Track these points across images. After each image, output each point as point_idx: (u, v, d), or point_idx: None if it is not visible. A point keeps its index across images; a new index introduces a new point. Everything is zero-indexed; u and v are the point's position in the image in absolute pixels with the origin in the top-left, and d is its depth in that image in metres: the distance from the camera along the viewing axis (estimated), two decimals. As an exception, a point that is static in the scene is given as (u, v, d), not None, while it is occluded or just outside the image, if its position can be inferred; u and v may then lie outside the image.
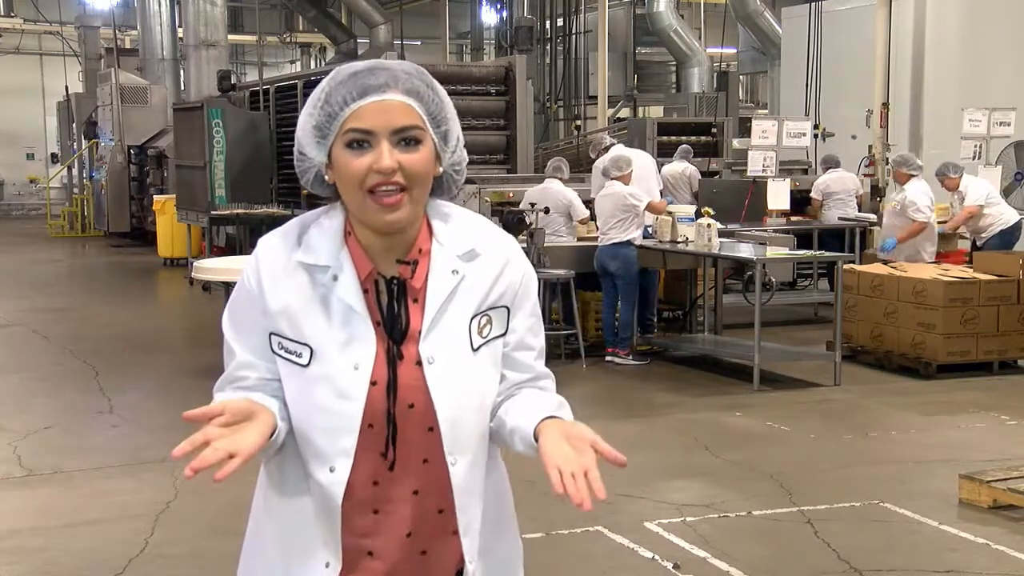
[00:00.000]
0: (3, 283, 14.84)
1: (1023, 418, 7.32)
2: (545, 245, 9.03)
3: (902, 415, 7.48)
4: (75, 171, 23.93)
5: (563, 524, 5.18)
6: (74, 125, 23.63)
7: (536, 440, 1.79)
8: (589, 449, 1.72)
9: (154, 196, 17.81)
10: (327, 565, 1.86)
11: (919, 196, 9.33)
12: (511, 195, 10.44)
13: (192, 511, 5.47)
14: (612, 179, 9.11)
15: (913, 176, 9.45)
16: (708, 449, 6.57)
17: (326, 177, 1.84)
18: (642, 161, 10.29)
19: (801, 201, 12.32)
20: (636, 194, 9.06)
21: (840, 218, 11.90)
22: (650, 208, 9.24)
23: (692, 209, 9.85)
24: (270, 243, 1.90)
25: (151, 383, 8.61)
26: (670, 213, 9.50)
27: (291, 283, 1.84)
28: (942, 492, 5.65)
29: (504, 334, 1.91)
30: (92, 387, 8.33)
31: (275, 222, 13.47)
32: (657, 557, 4.81)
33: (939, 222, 10.95)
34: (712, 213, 9.23)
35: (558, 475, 1.68)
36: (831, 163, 12.35)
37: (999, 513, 5.32)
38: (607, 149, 10.39)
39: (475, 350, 1.87)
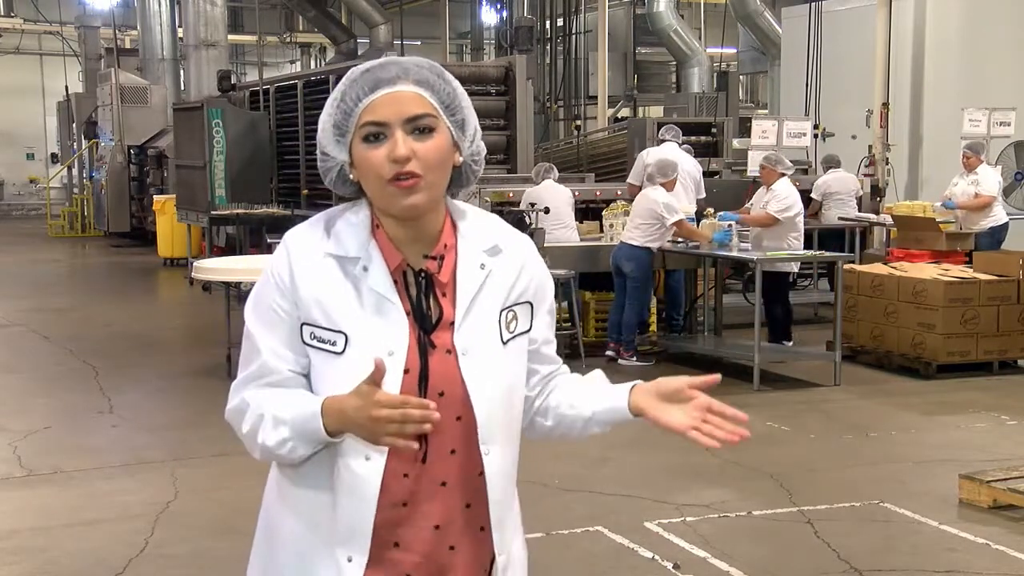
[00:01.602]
0: (3, 283, 14.83)
1: (1023, 418, 7.32)
2: (546, 245, 9.03)
3: (902, 415, 7.47)
4: (75, 171, 23.93)
5: (563, 524, 5.19)
6: (74, 125, 23.62)
7: (634, 411, 1.97)
8: (689, 391, 1.94)
9: (154, 196, 17.81)
10: (350, 559, 1.86)
11: (790, 194, 9.36)
12: (511, 195, 10.45)
13: (192, 511, 5.47)
14: (657, 184, 9.01)
15: (784, 175, 9.45)
16: (708, 449, 6.55)
17: (350, 175, 1.87)
18: (685, 166, 10.28)
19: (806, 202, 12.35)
20: (672, 207, 8.85)
21: (840, 218, 11.90)
22: (679, 227, 8.92)
23: (692, 209, 9.87)
24: (299, 234, 1.92)
25: (151, 383, 8.61)
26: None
27: (322, 273, 1.87)
28: (942, 492, 5.65)
29: (528, 330, 1.96)
30: (92, 387, 8.33)
31: (275, 222, 13.56)
32: (657, 557, 4.81)
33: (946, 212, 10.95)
34: (712, 213, 9.24)
35: (697, 433, 1.99)
36: (831, 163, 12.35)
37: (999, 513, 5.32)
38: (661, 143, 10.51)
39: (504, 343, 1.91)
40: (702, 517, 5.34)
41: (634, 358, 9.01)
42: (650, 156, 10.31)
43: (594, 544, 5.00)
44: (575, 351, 8.88)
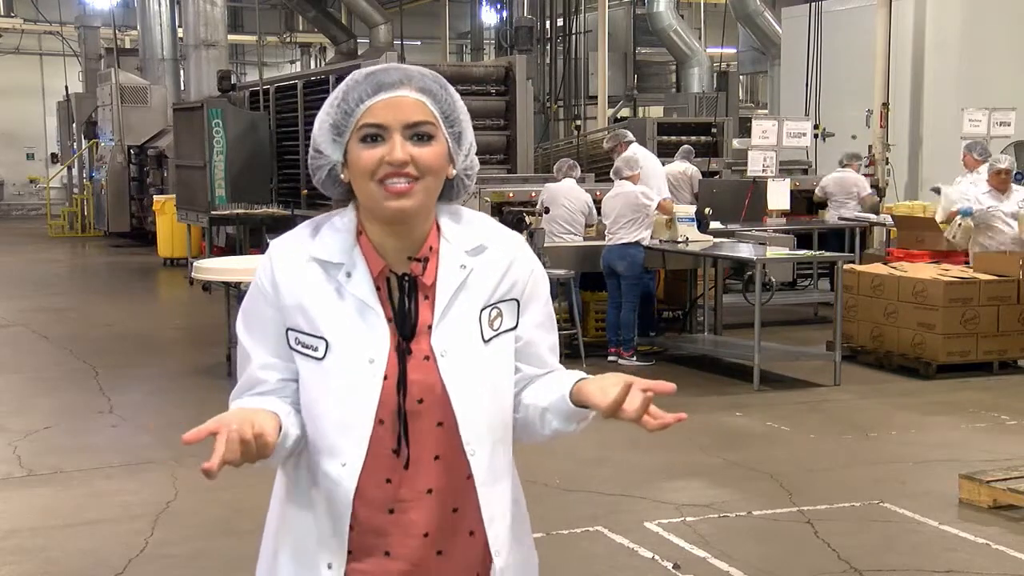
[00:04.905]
0: (3, 283, 14.83)
1: (1023, 418, 7.32)
2: (546, 245, 9.03)
3: (902, 415, 7.47)
4: (75, 171, 23.92)
5: (563, 524, 5.19)
6: (74, 125, 23.61)
7: (573, 398, 1.86)
8: (628, 379, 1.78)
9: (154, 196, 17.82)
10: (329, 566, 1.87)
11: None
12: (511, 195, 10.43)
13: (192, 511, 5.47)
14: (623, 179, 9.08)
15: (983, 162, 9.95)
16: (708, 449, 6.56)
17: (341, 176, 1.88)
18: (651, 162, 10.34)
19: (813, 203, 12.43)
20: (648, 193, 9.04)
21: (840, 218, 11.91)
22: (660, 207, 9.19)
23: (692, 209, 9.87)
24: (283, 242, 1.93)
25: (151, 383, 8.61)
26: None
27: (305, 279, 1.87)
28: (942, 492, 5.65)
29: (515, 327, 1.93)
30: (92, 387, 8.33)
31: (275, 222, 13.56)
32: (657, 557, 4.81)
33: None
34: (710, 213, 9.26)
35: (609, 400, 1.76)
36: (853, 159, 12.37)
37: (999, 513, 5.32)
38: (626, 145, 10.46)
39: (486, 342, 1.89)
40: (702, 517, 5.34)
41: (634, 358, 9.02)
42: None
43: (594, 544, 5.00)
44: (575, 351, 8.88)
